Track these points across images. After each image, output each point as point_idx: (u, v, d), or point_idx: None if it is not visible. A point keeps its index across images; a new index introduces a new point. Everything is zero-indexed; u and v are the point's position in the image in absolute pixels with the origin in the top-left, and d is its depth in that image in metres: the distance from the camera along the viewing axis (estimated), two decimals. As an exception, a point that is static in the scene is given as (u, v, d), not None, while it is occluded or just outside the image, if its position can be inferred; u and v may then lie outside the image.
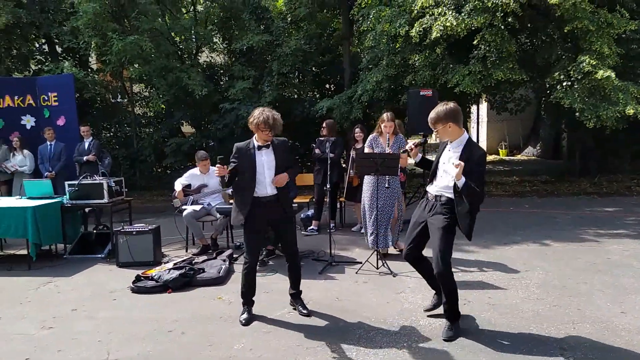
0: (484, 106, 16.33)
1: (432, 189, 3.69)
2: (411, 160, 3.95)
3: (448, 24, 8.09)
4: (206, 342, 3.64)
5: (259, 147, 3.93)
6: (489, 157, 18.49)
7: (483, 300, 4.31)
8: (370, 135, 5.88)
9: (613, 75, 7.98)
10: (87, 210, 7.08)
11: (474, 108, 14.74)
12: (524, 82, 9.31)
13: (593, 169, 12.15)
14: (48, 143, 8.76)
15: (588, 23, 8.10)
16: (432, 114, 3.57)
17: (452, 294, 3.61)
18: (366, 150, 5.82)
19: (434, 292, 4.05)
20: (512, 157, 18.46)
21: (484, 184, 3.51)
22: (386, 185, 5.35)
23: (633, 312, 3.87)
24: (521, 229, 7.13)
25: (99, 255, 6.35)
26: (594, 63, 8.09)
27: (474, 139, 16.41)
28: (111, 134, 14.48)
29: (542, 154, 17.48)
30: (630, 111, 8.05)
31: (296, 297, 4.22)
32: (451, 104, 3.57)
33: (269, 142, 3.95)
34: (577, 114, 8.59)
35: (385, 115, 5.70)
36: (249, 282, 4.07)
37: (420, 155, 3.89)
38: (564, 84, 8.78)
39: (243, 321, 3.96)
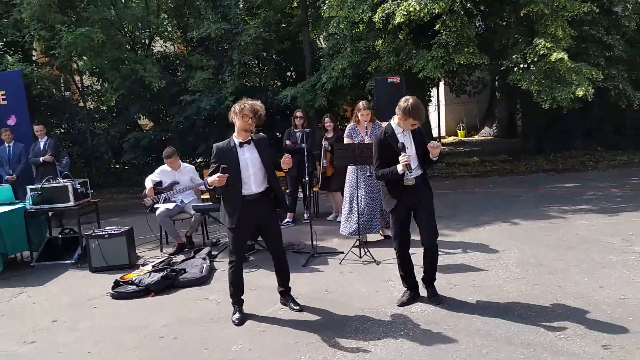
0: (442, 89, 16.65)
1: (415, 173, 3.87)
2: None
3: (411, 8, 8.16)
4: (201, 345, 3.57)
5: (241, 144, 3.81)
6: (449, 139, 18.95)
7: (467, 282, 4.43)
8: (348, 125, 5.91)
9: (566, 57, 8.29)
10: (49, 214, 6.75)
11: (433, 91, 14.99)
12: (485, 65, 9.55)
13: (548, 147, 12.67)
14: (6, 145, 8.28)
15: (543, 7, 8.37)
16: (421, 112, 3.74)
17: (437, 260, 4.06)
18: (346, 140, 5.84)
19: (406, 288, 4.12)
20: (470, 138, 18.99)
21: None
22: (367, 174, 5.37)
23: (610, 286, 4.08)
24: (490, 209, 7.37)
25: (69, 261, 6.08)
26: (549, 46, 8.39)
27: (434, 121, 16.77)
28: (62, 130, 13.81)
29: (498, 133, 18.07)
30: (580, 93, 8.40)
31: (286, 294, 4.18)
32: (416, 99, 3.83)
33: (249, 139, 3.84)
34: (534, 95, 8.91)
35: (361, 104, 5.74)
36: (237, 281, 4.00)
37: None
38: (521, 66, 9.07)
39: (236, 321, 3.91)
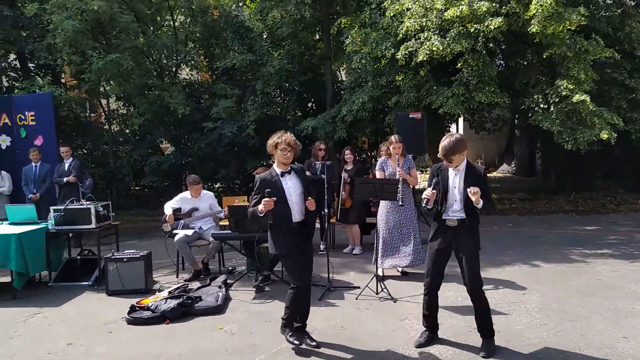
0: (461, 125, 16.67)
1: (454, 214, 3.81)
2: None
3: (435, 48, 8.25)
4: (215, 378, 3.54)
5: (282, 174, 3.95)
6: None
7: (487, 326, 4.33)
8: (380, 159, 6.08)
9: (588, 99, 8.28)
10: (70, 234, 6.84)
11: (452, 127, 15.02)
12: (506, 104, 9.57)
13: (568, 186, 12.52)
14: (33, 164, 8.49)
15: (566, 49, 8.40)
16: (448, 147, 3.70)
17: (488, 311, 3.84)
18: (378, 174, 5.96)
19: (425, 328, 4.06)
20: (488, 175, 18.87)
21: (490, 196, 3.92)
22: (399, 204, 5.39)
23: (635, 337, 3.96)
24: (509, 249, 7.26)
25: (86, 283, 6.13)
26: (571, 87, 8.39)
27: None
28: (86, 152, 14.10)
29: (517, 171, 17.94)
30: (604, 135, 8.36)
31: (302, 330, 4.13)
32: (458, 135, 3.82)
33: (290, 169, 3.98)
34: (555, 135, 8.87)
35: (393, 138, 5.88)
36: (302, 308, 4.05)
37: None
38: (542, 106, 9.06)
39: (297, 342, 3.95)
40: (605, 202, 11.39)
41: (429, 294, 3.95)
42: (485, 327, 3.84)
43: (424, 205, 3.83)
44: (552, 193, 12.61)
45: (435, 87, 9.48)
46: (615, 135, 8.45)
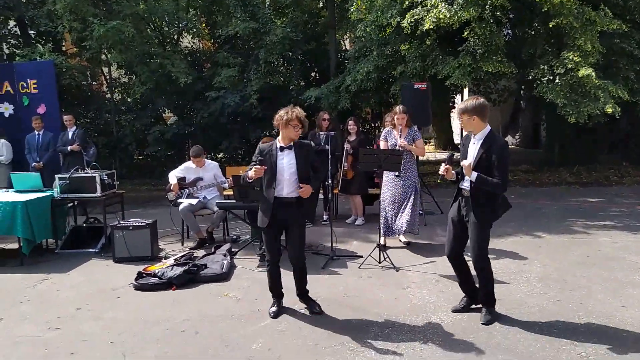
0: (466, 96, 16.51)
1: (467, 184, 3.78)
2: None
3: (441, 15, 8.11)
4: (222, 342, 3.63)
5: (281, 149, 3.96)
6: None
7: (488, 294, 4.40)
8: (384, 129, 6.04)
9: (593, 74, 8.16)
10: (75, 203, 6.89)
11: (457, 98, 14.89)
12: (513, 74, 9.45)
13: (572, 159, 12.48)
14: (36, 133, 8.49)
15: (573, 19, 8.24)
16: (462, 105, 3.73)
17: (490, 281, 3.89)
18: (381, 144, 5.93)
19: (464, 295, 4.08)
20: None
21: (505, 172, 3.66)
22: (396, 174, 5.39)
23: (634, 306, 4.02)
24: (512, 221, 7.26)
25: (92, 250, 6.22)
26: (577, 60, 8.26)
27: (457, 128, 16.64)
28: (89, 120, 14.06)
29: (521, 143, 17.86)
30: (608, 110, 8.29)
31: (304, 296, 4.24)
32: (481, 100, 3.75)
33: (291, 144, 3.96)
34: (559, 108, 8.79)
35: (398, 108, 5.83)
36: (274, 279, 4.14)
37: (454, 172, 3.85)
38: (547, 78, 8.95)
39: (271, 314, 4.05)
40: (609, 175, 11.35)
41: (450, 259, 3.98)
42: (486, 296, 3.91)
43: (441, 172, 3.81)
44: (556, 165, 12.56)
45: (441, 57, 9.36)
46: (620, 109, 8.37)
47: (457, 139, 16.43)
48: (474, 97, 3.75)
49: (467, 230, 3.86)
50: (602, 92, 8.28)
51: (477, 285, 4.02)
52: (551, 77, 8.85)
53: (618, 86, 8.73)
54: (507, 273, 4.97)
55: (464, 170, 3.70)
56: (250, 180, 3.95)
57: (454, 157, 3.98)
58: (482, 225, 3.76)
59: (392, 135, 5.90)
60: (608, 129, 12.02)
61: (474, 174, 3.63)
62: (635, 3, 9.42)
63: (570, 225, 6.92)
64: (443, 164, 3.80)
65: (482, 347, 3.43)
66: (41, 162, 8.29)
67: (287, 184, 3.94)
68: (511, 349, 3.39)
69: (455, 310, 4.02)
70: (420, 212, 6.39)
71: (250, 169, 3.94)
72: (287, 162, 3.95)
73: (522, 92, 15.04)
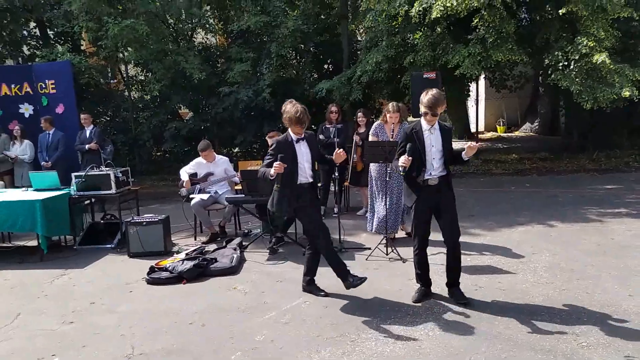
0: (482, 83, 16.27)
1: (435, 173, 3.95)
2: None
3: (449, 4, 8.03)
4: (227, 334, 3.73)
5: (297, 140, 4.23)
6: (488, 135, 18.56)
7: (493, 285, 4.41)
8: (376, 123, 5.95)
9: (608, 60, 7.98)
10: (92, 200, 7.09)
11: (472, 86, 14.69)
12: (524, 62, 9.29)
13: (591, 145, 12.23)
14: (47, 132, 8.71)
15: (583, 7, 8.05)
16: (432, 99, 3.81)
17: (460, 259, 4.13)
18: (371, 138, 5.88)
19: (420, 285, 4.23)
20: (510, 134, 18.50)
21: None
22: (387, 179, 5.41)
23: (640, 295, 3.99)
24: (525, 210, 7.23)
25: (109, 246, 6.40)
26: (592, 45, 8.09)
27: (473, 116, 16.44)
28: (107, 119, 14.36)
29: (540, 130, 17.53)
30: (626, 93, 8.11)
31: (311, 283, 4.44)
32: (439, 91, 3.96)
33: (303, 135, 4.27)
34: (574, 95, 8.63)
35: (390, 106, 5.75)
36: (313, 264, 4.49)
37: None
38: (561, 64, 8.79)
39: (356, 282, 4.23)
40: (630, 161, 11.12)
41: (420, 253, 4.13)
42: (459, 276, 4.12)
43: (400, 172, 3.94)
44: (575, 152, 12.34)
45: (452, 46, 9.26)
46: (638, 92, 8.16)
47: (473, 128, 16.22)
48: (429, 89, 3.92)
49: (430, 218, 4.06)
50: (618, 77, 8.09)
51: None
52: (566, 64, 8.68)
53: (636, 69, 8.52)
54: (514, 263, 4.95)
55: (470, 152, 3.82)
56: (272, 178, 4.12)
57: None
58: (454, 203, 4.03)
59: (384, 130, 5.84)
60: (628, 114, 11.72)
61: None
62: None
63: (584, 214, 6.83)
64: (404, 157, 3.87)
65: (483, 336, 3.45)
66: (49, 162, 8.49)
67: (306, 171, 4.26)
68: (512, 338, 3.40)
69: (417, 301, 4.11)
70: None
71: (269, 164, 4.14)
72: (304, 151, 4.26)
73: (540, 78, 14.72)
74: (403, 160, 3.86)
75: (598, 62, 7.82)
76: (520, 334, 3.46)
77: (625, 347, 3.18)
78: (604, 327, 3.48)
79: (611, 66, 7.90)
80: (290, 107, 4.17)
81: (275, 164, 4.02)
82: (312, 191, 4.36)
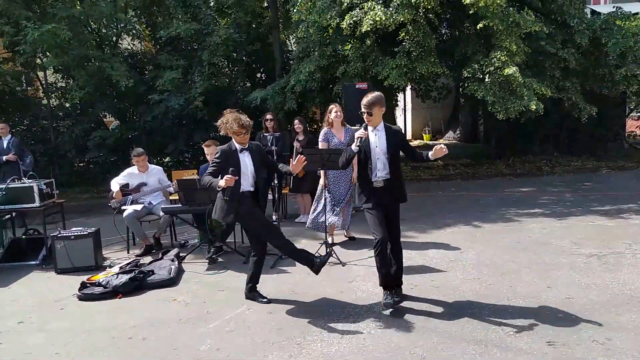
0: (408, 94, 17.06)
1: (380, 175, 4.09)
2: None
3: (377, 18, 8.39)
4: (170, 346, 3.67)
5: (241, 150, 4.30)
6: (415, 142, 19.42)
7: (427, 283, 4.67)
8: (323, 130, 6.11)
9: (517, 73, 8.71)
10: (13, 214, 6.65)
11: (400, 96, 15.38)
12: (445, 74, 9.89)
13: (508, 151, 13.20)
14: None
15: (498, 22, 8.75)
16: (369, 99, 4.02)
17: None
18: (321, 144, 6.04)
19: (383, 287, 4.17)
20: (434, 142, 19.48)
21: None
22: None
23: (557, 287, 4.39)
24: (452, 212, 7.68)
25: (33, 262, 6.03)
26: (504, 59, 8.79)
27: (401, 124, 17.14)
28: (24, 128, 13.45)
29: (461, 138, 18.63)
30: (532, 107, 8.89)
31: (254, 289, 4.47)
32: (380, 94, 4.14)
33: (248, 146, 4.30)
34: (488, 105, 9.32)
35: (335, 106, 6.03)
36: (255, 271, 4.49)
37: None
38: (477, 76, 9.47)
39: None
40: (542, 165, 12.12)
41: (381, 252, 4.05)
42: (401, 276, 4.28)
43: (357, 144, 4.03)
44: (494, 158, 13.27)
45: (380, 58, 9.66)
46: (542, 106, 8.96)
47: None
48: (375, 92, 4.13)
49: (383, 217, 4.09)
50: (526, 90, 8.84)
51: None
52: (481, 76, 9.36)
53: (543, 84, 9.34)
54: (445, 262, 5.27)
55: (435, 153, 3.93)
56: (219, 190, 4.16)
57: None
58: (398, 209, 4.21)
59: (333, 135, 6.05)
60: (539, 123, 12.78)
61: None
62: (557, 5, 10.09)
63: (504, 214, 7.38)
64: (361, 130, 4.03)
65: (421, 332, 3.66)
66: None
67: (247, 179, 4.31)
68: (446, 331, 3.64)
69: (395, 304, 4.05)
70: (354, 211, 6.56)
71: (214, 172, 4.20)
72: (248, 161, 4.31)
73: (460, 89, 15.68)
74: (361, 132, 4.01)
75: (508, 75, 8.49)
76: (454, 327, 3.71)
77: (547, 333, 3.51)
78: (527, 316, 3.81)
79: (520, 80, 8.62)
80: (230, 117, 4.21)
81: (226, 176, 4.03)
82: (254, 199, 4.40)
